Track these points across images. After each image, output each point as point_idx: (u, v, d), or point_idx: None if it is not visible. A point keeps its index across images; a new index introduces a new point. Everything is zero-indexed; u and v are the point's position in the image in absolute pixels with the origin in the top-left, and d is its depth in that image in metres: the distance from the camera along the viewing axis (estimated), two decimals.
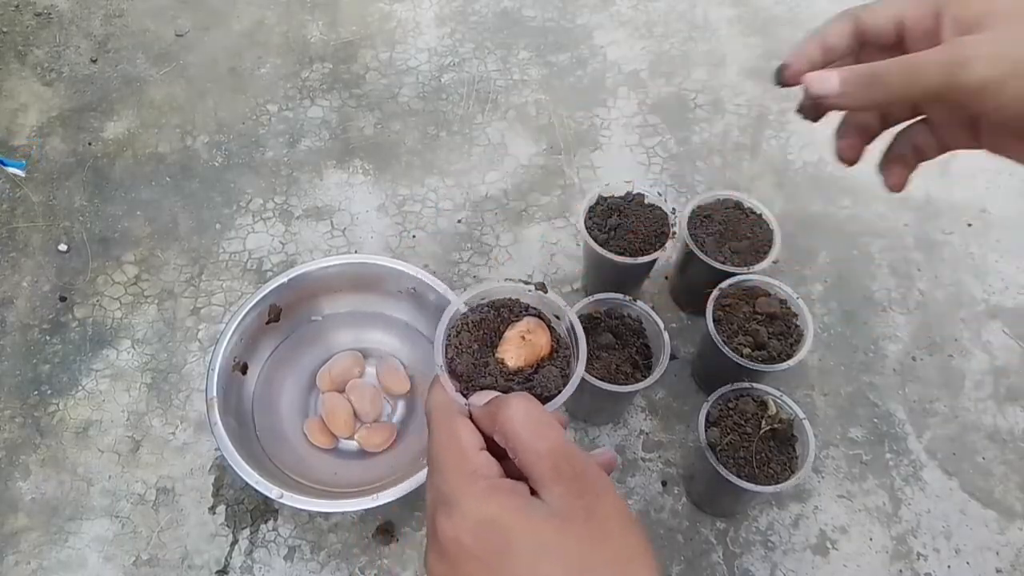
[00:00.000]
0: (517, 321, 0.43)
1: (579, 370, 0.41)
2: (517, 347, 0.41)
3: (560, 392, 0.40)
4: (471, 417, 0.38)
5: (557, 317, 0.44)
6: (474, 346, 0.42)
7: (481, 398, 0.38)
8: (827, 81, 0.35)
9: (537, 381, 0.41)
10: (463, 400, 0.39)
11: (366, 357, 0.75)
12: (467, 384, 0.41)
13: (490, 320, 0.43)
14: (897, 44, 0.38)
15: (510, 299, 0.44)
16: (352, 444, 0.70)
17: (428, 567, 0.34)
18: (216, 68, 0.98)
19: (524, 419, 0.34)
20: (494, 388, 0.40)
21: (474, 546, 0.32)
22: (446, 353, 0.42)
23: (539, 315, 0.44)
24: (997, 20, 0.33)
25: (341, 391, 0.73)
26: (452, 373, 0.41)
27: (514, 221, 0.86)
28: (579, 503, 0.33)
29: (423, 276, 0.72)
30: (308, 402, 0.73)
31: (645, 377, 0.65)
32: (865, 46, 0.40)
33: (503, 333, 0.42)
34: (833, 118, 0.44)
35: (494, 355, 0.42)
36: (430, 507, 0.35)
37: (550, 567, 0.31)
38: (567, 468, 0.33)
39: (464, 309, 0.43)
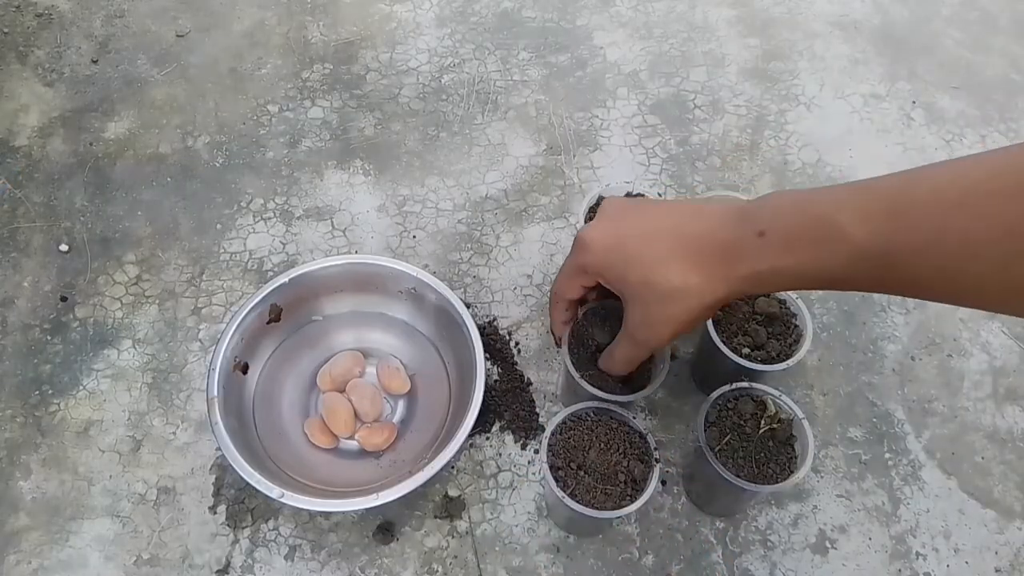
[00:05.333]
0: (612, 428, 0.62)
1: (653, 483, 0.59)
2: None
3: (645, 489, 0.59)
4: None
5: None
6: (571, 443, 0.61)
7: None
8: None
9: (623, 463, 0.60)
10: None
11: (366, 357, 0.75)
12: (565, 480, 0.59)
13: (583, 430, 0.62)
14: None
15: (608, 417, 0.63)
16: (352, 444, 0.71)
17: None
18: (217, 69, 0.99)
19: None
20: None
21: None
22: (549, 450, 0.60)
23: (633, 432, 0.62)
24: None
25: (341, 391, 0.73)
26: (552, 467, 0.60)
27: (514, 221, 0.86)
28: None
29: (423, 276, 0.72)
30: (309, 402, 0.73)
31: (644, 383, 0.64)
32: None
33: (594, 441, 0.61)
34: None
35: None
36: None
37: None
38: None
39: (565, 417, 0.62)
